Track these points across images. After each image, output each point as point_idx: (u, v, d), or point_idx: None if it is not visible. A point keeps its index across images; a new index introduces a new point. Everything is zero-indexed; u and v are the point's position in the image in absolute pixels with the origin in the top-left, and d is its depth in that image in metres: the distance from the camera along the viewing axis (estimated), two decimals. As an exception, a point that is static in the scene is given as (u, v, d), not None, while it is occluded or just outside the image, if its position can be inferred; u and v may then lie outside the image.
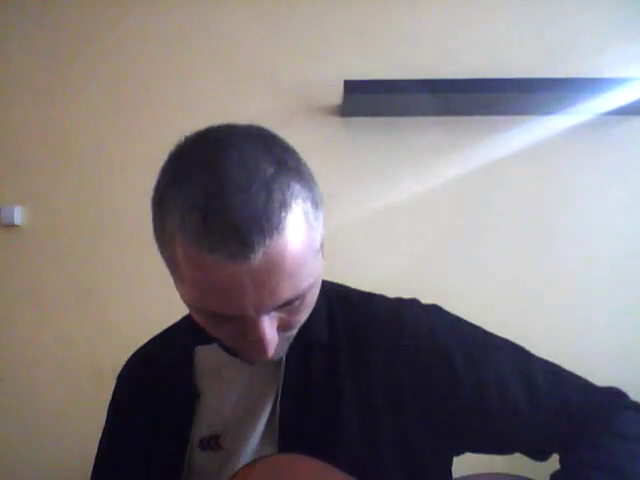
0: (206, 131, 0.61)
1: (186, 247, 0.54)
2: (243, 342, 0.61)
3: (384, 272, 1.56)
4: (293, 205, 0.55)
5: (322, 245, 0.63)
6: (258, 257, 0.52)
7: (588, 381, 0.74)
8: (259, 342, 0.58)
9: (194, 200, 0.53)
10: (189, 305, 0.61)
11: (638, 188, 1.60)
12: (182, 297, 0.61)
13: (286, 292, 0.56)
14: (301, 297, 0.59)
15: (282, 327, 0.61)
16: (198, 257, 0.54)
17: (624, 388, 0.74)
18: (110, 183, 1.67)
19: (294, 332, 0.66)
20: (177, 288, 0.60)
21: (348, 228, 1.56)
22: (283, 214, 0.53)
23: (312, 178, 0.61)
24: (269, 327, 0.58)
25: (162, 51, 1.68)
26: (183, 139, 0.60)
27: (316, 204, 0.59)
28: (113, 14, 1.69)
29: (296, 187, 0.56)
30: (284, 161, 0.57)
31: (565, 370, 0.74)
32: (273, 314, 0.59)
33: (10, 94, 1.71)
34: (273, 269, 0.54)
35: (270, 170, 0.55)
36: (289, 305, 0.59)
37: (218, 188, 0.53)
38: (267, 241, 0.52)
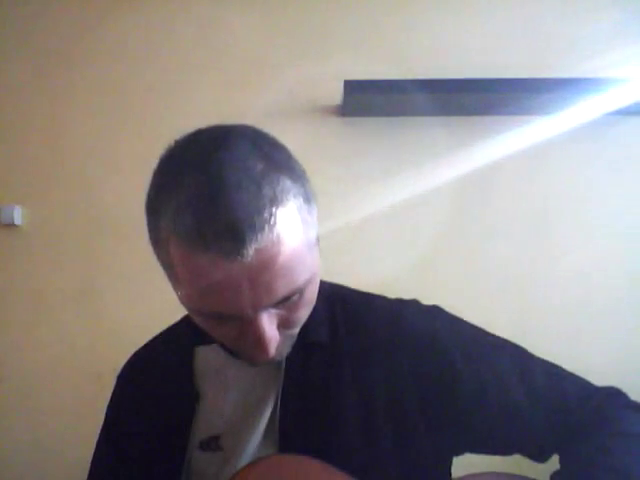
0: (194, 134, 0.61)
1: (180, 248, 0.55)
2: (244, 343, 0.61)
3: (384, 272, 1.56)
4: (284, 200, 0.55)
5: (318, 240, 0.63)
6: (251, 253, 0.53)
7: (587, 381, 0.74)
8: (259, 341, 0.58)
9: (186, 201, 0.54)
10: (188, 307, 0.61)
11: (638, 188, 1.60)
12: (180, 300, 0.61)
13: (282, 288, 0.56)
14: (299, 292, 0.59)
15: (283, 325, 0.61)
16: (192, 257, 0.54)
17: (625, 389, 0.74)
18: (110, 183, 1.67)
19: (296, 331, 0.65)
20: (175, 292, 0.61)
21: (348, 228, 1.55)
22: (274, 209, 0.54)
23: (303, 174, 0.61)
24: (268, 325, 0.58)
25: (162, 51, 1.68)
26: (173, 143, 0.61)
27: (308, 199, 0.59)
28: (112, 14, 1.69)
29: (286, 182, 0.56)
30: (273, 157, 0.57)
31: (564, 370, 0.74)
32: (272, 311, 0.59)
33: (10, 94, 1.71)
34: (267, 264, 0.54)
35: (259, 167, 0.55)
36: (287, 301, 0.59)
37: (209, 188, 0.53)
38: (259, 237, 0.53)
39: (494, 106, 1.55)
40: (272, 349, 0.59)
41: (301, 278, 0.58)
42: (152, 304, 1.52)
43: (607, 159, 1.60)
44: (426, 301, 0.77)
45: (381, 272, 1.56)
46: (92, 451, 0.81)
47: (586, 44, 1.60)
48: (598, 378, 0.75)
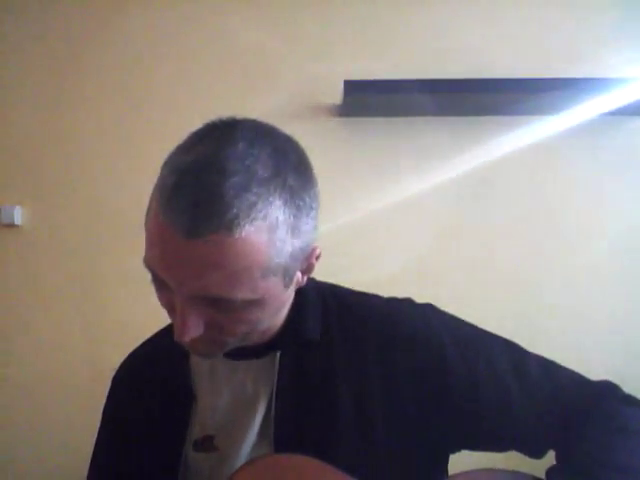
0: (238, 119, 0.62)
1: (155, 200, 0.57)
2: (173, 319, 0.62)
3: (383, 272, 1.56)
4: (260, 215, 0.54)
5: (289, 273, 0.61)
6: (200, 239, 0.54)
7: (582, 375, 0.74)
8: (180, 321, 0.59)
9: (181, 163, 0.56)
10: (143, 259, 0.61)
11: (638, 188, 1.59)
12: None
13: (212, 287, 0.56)
14: (233, 305, 0.58)
15: (212, 326, 0.60)
16: (157, 214, 0.56)
17: (625, 388, 0.74)
18: (110, 183, 1.67)
19: (229, 340, 0.64)
20: None
21: (348, 228, 1.55)
22: (243, 215, 0.54)
23: (309, 210, 0.60)
24: (192, 312, 0.58)
25: (162, 51, 1.68)
26: (216, 118, 0.62)
27: (293, 230, 0.58)
28: (113, 15, 1.69)
29: (276, 202, 0.56)
30: (284, 176, 0.57)
31: (559, 365, 0.74)
32: (203, 305, 0.58)
33: (10, 94, 1.71)
34: (209, 257, 0.54)
35: (264, 174, 0.55)
36: (219, 306, 0.58)
37: (205, 164, 0.55)
38: (214, 230, 0.53)
39: (494, 106, 1.55)
40: (187, 336, 0.59)
41: (238, 293, 0.57)
42: (152, 304, 1.52)
43: (607, 159, 1.60)
44: (426, 301, 0.77)
45: (380, 272, 1.56)
46: (92, 451, 0.81)
47: (586, 44, 1.60)
48: (597, 376, 0.75)
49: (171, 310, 0.62)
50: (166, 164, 0.59)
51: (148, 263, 0.60)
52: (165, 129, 1.63)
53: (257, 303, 0.60)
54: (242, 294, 0.58)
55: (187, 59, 1.68)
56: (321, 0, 1.65)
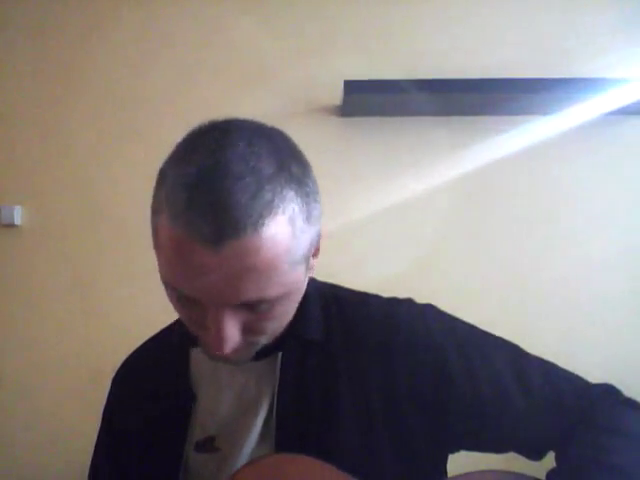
0: (224, 120, 0.61)
1: (167, 219, 0.55)
2: (203, 332, 0.61)
3: (384, 272, 1.56)
4: (279, 210, 0.54)
5: (308, 260, 0.62)
6: (227, 248, 0.53)
7: (582, 378, 0.74)
8: (217, 335, 0.58)
9: (187, 177, 0.54)
10: (161, 279, 0.61)
11: (638, 188, 1.60)
12: (159, 271, 0.61)
13: (249, 292, 0.56)
14: (268, 303, 0.58)
15: (247, 329, 0.60)
16: (173, 231, 0.55)
17: (624, 388, 0.74)
18: (110, 183, 1.67)
19: (261, 339, 0.64)
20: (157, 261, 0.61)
21: (348, 228, 1.55)
22: (266, 214, 0.53)
23: (315, 195, 0.60)
24: (229, 322, 0.58)
25: (162, 51, 1.68)
26: (202, 124, 0.61)
27: (309, 218, 0.59)
28: (112, 14, 1.69)
29: (290, 193, 0.56)
30: (287, 167, 0.57)
31: (559, 367, 0.74)
32: (237, 311, 0.58)
33: (10, 94, 1.71)
34: (240, 264, 0.54)
35: (269, 170, 0.55)
36: (254, 308, 0.58)
37: (212, 172, 0.54)
38: (240, 236, 0.53)
39: (494, 106, 1.55)
40: (228, 347, 0.58)
41: (272, 291, 0.57)
42: (151, 304, 1.52)
43: (607, 159, 1.60)
44: (426, 301, 0.77)
45: (380, 272, 1.56)
46: (92, 451, 0.81)
47: (586, 44, 1.60)
48: (598, 378, 0.75)
49: (199, 325, 0.61)
50: (165, 178, 0.58)
51: (172, 284, 0.58)
52: (165, 129, 1.63)
53: (286, 295, 0.60)
54: (275, 290, 0.57)
55: (186, 59, 1.68)
56: (321, 0, 1.65)
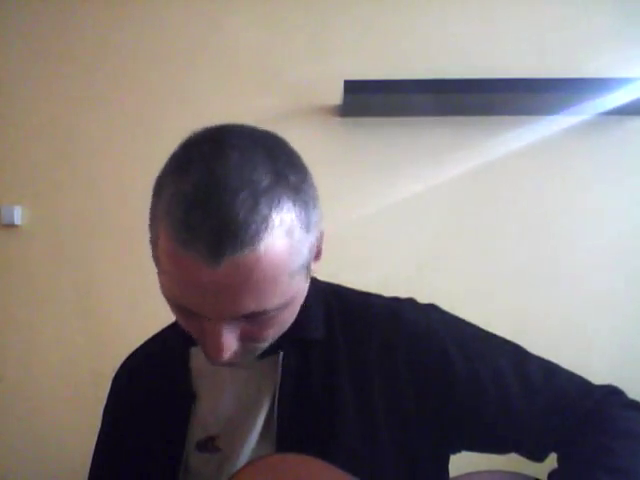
0: (218, 127, 0.60)
1: (166, 235, 0.55)
2: (203, 341, 0.61)
3: (384, 272, 1.56)
4: (276, 222, 0.54)
5: (308, 267, 0.62)
6: (225, 264, 0.53)
7: (585, 379, 0.74)
8: (214, 345, 0.59)
9: (184, 192, 0.54)
10: (160, 288, 0.61)
11: (638, 188, 1.60)
12: (158, 280, 0.61)
13: (249, 305, 0.56)
14: (267, 314, 0.58)
15: (246, 337, 0.61)
16: (172, 247, 0.55)
17: (624, 388, 0.74)
18: (110, 183, 1.67)
19: (261, 345, 0.65)
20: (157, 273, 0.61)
21: (348, 228, 1.55)
22: (263, 227, 0.53)
23: (314, 200, 0.60)
24: (227, 333, 0.58)
25: (162, 51, 1.68)
26: (196, 131, 0.60)
27: (307, 226, 0.58)
28: (113, 14, 1.69)
29: (287, 204, 0.55)
30: (284, 176, 0.56)
31: (562, 368, 0.74)
32: (236, 322, 0.58)
33: (10, 94, 1.71)
34: (239, 279, 0.54)
35: (266, 181, 0.54)
36: (254, 319, 0.58)
37: (207, 187, 0.53)
38: (238, 251, 0.52)
39: (494, 106, 1.55)
40: (225, 356, 0.59)
41: (272, 301, 0.57)
42: (151, 304, 1.52)
43: (607, 159, 1.60)
44: (426, 300, 0.77)
45: (381, 272, 1.57)
46: (92, 451, 0.81)
47: (586, 44, 1.60)
48: (598, 378, 0.75)
49: (199, 334, 0.61)
50: (162, 190, 0.57)
51: (172, 298, 0.59)
52: (165, 129, 1.63)
53: (287, 304, 0.60)
54: (276, 302, 0.58)
55: (187, 59, 1.68)
56: (321, 0, 1.65)
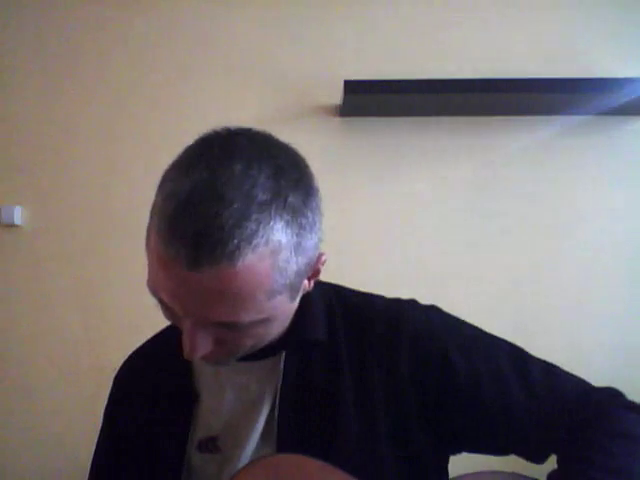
0: (234, 132, 0.60)
1: (154, 228, 0.56)
2: (180, 336, 0.62)
3: (384, 272, 1.56)
4: (262, 241, 0.53)
5: (295, 286, 0.61)
6: (203, 270, 0.53)
7: (585, 381, 0.74)
8: (188, 342, 0.59)
9: (180, 192, 0.54)
10: (146, 281, 0.61)
11: (638, 187, 1.60)
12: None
13: (219, 315, 0.56)
14: (238, 326, 0.58)
15: (221, 342, 0.61)
16: (157, 242, 0.56)
17: (624, 389, 0.74)
18: (110, 183, 1.67)
19: (239, 351, 0.65)
20: None
21: (347, 228, 1.56)
22: (244, 244, 0.53)
23: (313, 224, 0.59)
24: (202, 334, 0.59)
25: (162, 51, 1.68)
26: (216, 129, 0.60)
27: (297, 249, 0.57)
28: (114, 14, 1.69)
29: (278, 225, 0.54)
30: (284, 196, 0.55)
31: (562, 370, 0.74)
32: (212, 327, 0.59)
33: (10, 94, 1.71)
34: (214, 288, 0.54)
35: (262, 198, 0.54)
36: (226, 327, 0.59)
37: (203, 192, 0.53)
38: (215, 262, 0.53)
39: (494, 106, 1.55)
40: (197, 355, 0.60)
41: (246, 317, 0.57)
42: (152, 303, 1.52)
43: (607, 159, 1.60)
44: (427, 301, 0.77)
45: (381, 272, 1.57)
46: (92, 451, 0.81)
47: (586, 44, 1.60)
48: (598, 379, 0.75)
49: (179, 327, 0.62)
50: (163, 185, 0.58)
51: (152, 289, 0.59)
52: (165, 129, 1.63)
53: (264, 320, 0.60)
54: (249, 317, 0.58)
55: (187, 59, 1.68)
56: (322, 0, 1.65)
